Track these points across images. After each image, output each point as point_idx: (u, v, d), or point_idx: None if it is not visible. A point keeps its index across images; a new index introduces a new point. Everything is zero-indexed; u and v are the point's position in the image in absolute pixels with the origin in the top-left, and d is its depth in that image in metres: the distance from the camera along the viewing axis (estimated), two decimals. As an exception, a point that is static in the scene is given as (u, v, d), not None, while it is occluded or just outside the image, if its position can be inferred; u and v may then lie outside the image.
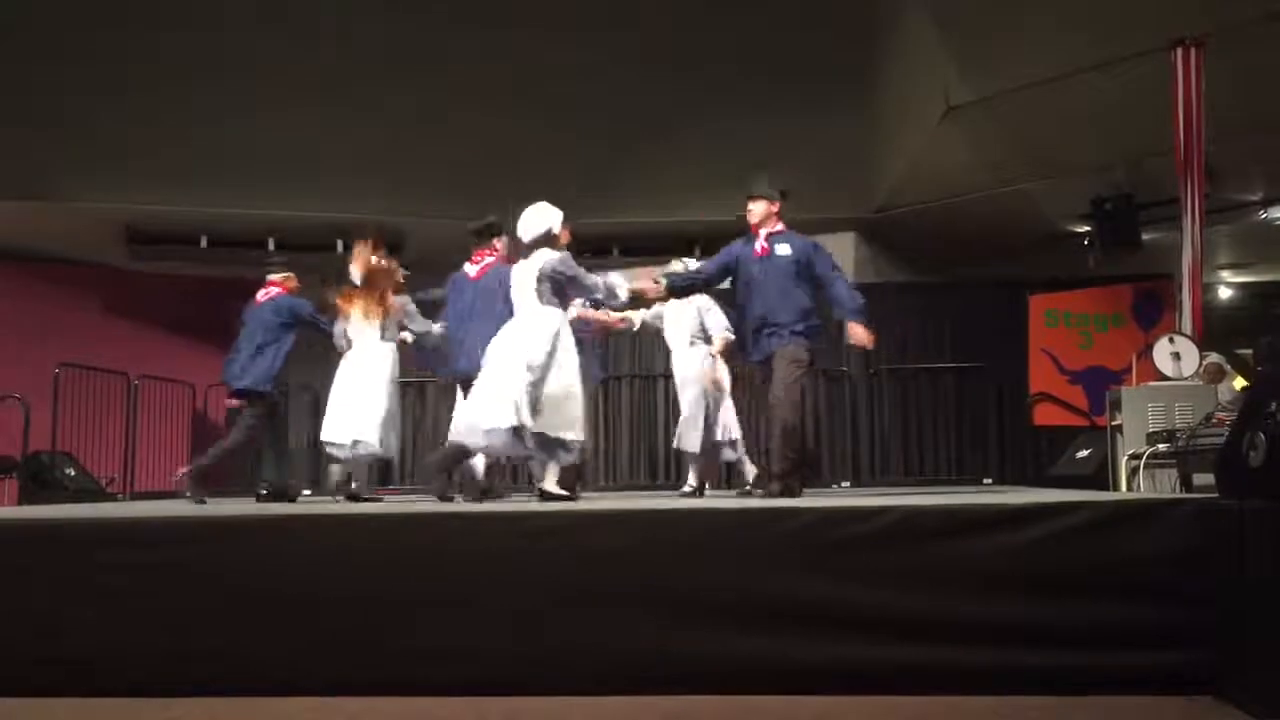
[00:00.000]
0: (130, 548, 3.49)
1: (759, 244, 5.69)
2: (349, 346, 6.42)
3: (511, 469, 9.15)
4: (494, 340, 5.30)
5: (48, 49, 8.76)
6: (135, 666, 3.36)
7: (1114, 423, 7.08)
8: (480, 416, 5.11)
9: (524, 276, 5.31)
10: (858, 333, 5.54)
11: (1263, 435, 3.09)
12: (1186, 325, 7.20)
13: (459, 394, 6.22)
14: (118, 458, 10.10)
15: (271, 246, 9.66)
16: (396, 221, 9.71)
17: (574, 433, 5.17)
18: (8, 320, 10.42)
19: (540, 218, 5.38)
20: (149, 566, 3.44)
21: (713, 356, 7.05)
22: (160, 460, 10.66)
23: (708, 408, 7.09)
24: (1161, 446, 6.11)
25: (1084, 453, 8.32)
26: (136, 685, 3.32)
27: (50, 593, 3.44)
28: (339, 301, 6.47)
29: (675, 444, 7.31)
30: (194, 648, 3.37)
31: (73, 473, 9.15)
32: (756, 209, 5.72)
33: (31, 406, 8.83)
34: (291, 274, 6.97)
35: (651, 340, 11.28)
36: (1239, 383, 8.73)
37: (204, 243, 10.44)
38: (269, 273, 6.97)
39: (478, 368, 5.38)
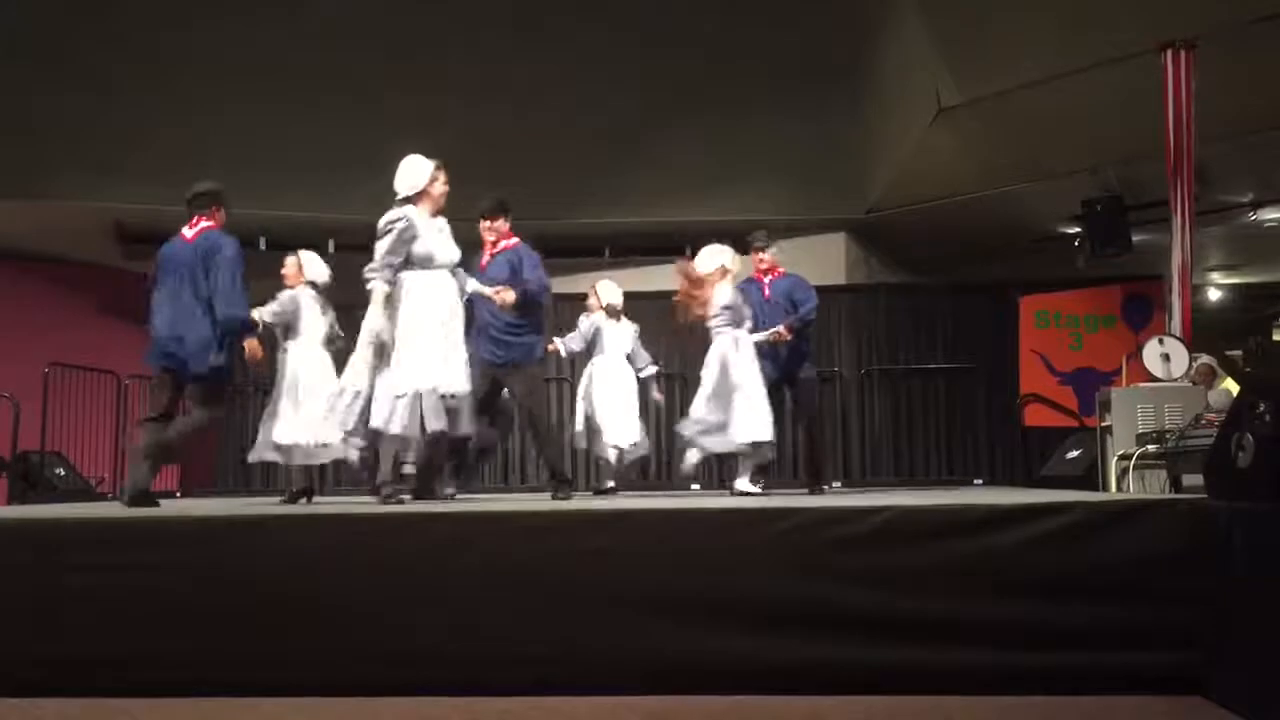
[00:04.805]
0: (121, 548, 3.48)
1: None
2: None
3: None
4: None
5: (38, 49, 8.73)
6: (121, 666, 3.34)
7: (1104, 424, 7.09)
8: None
9: None
10: None
11: (1250, 436, 3.11)
12: (1176, 327, 7.22)
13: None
14: (108, 457, 10.04)
15: (263, 246, 9.61)
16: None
17: None
18: (-3, 318, 10.37)
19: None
20: (140, 567, 3.43)
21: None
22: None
23: None
24: (1151, 448, 6.13)
25: (1074, 454, 8.33)
26: (122, 685, 3.31)
27: (39, 592, 3.43)
28: None
29: None
30: (182, 647, 3.35)
31: (62, 472, 9.09)
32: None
33: (21, 405, 8.78)
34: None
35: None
36: (1229, 384, 8.76)
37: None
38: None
39: None
